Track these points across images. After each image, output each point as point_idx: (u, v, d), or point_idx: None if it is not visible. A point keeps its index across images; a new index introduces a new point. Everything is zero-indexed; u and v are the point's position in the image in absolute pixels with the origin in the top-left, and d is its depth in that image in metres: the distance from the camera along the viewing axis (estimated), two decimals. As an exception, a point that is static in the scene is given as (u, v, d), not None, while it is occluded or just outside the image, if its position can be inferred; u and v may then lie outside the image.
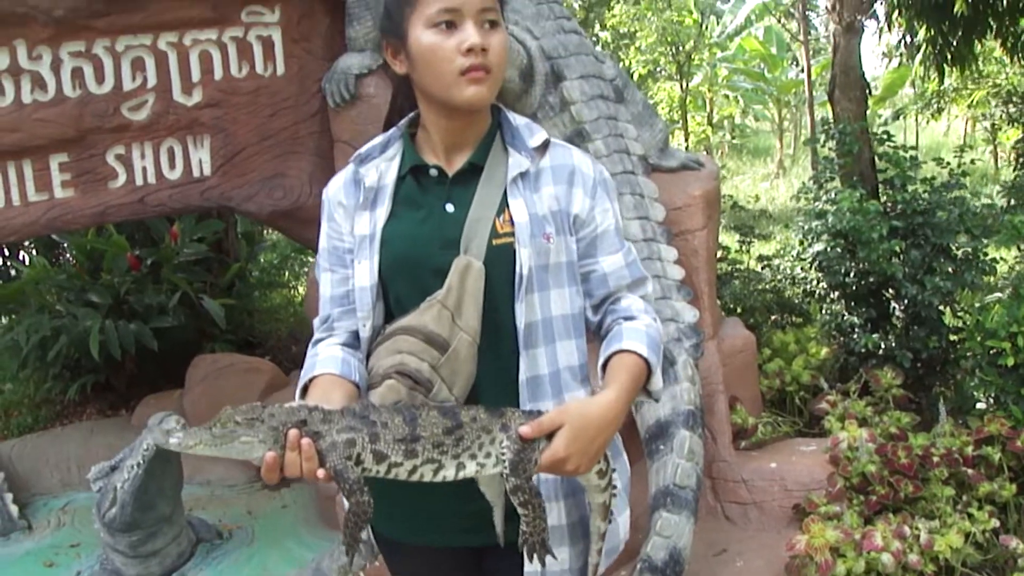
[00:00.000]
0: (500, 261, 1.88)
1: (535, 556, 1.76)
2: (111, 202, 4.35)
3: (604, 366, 1.91)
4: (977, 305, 5.27)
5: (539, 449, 1.72)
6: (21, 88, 4.17)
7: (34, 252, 7.57)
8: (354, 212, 1.99)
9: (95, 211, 4.34)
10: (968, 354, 5.04)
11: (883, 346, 5.31)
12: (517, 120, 2.01)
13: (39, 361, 6.57)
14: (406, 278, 1.93)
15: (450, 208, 1.92)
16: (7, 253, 7.83)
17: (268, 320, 8.29)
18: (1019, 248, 6.02)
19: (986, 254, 5.46)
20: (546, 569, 1.90)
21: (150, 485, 4.34)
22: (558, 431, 1.72)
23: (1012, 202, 7.40)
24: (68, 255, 7.23)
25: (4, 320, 7.19)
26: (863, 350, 5.25)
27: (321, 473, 1.64)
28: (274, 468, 1.64)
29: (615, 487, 1.94)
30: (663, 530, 3.46)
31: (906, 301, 5.30)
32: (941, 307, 5.34)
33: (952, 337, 5.38)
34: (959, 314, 5.50)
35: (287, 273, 9.51)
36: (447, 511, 1.99)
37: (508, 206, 1.91)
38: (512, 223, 1.89)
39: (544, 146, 1.99)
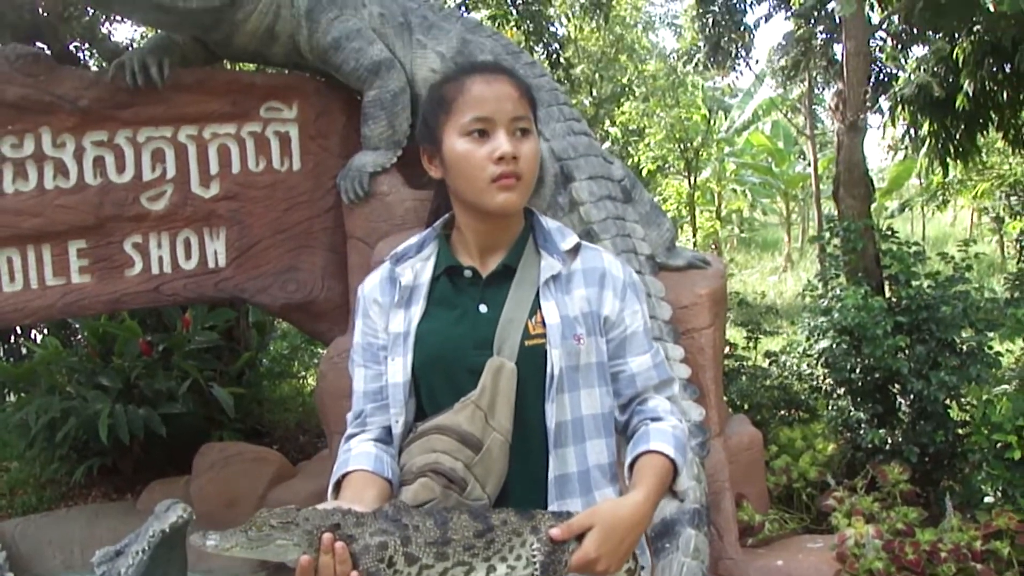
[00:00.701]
0: (532, 362, 1.92)
1: None
2: (127, 290, 4.45)
3: (631, 466, 1.95)
4: (984, 399, 5.27)
5: (569, 551, 1.76)
6: (44, 174, 4.33)
7: (46, 332, 7.66)
8: (389, 310, 2.04)
9: (110, 298, 4.43)
10: (975, 448, 5.05)
11: (890, 441, 5.34)
12: (549, 224, 2.08)
13: (47, 441, 6.59)
14: (439, 376, 1.97)
15: (483, 309, 1.97)
16: (19, 332, 7.94)
17: (277, 410, 8.30)
18: (1024, 340, 6.04)
19: (991, 347, 5.49)
20: None
21: (155, 572, 4.33)
22: (588, 532, 1.76)
23: (1017, 294, 7.43)
24: (80, 337, 7.30)
25: (14, 399, 7.24)
26: (870, 445, 5.27)
27: (355, 575, 1.69)
28: (309, 571, 1.68)
29: None
30: None
31: (912, 396, 5.34)
32: (947, 401, 5.36)
33: (959, 431, 5.38)
34: (965, 408, 5.50)
35: (297, 364, 9.58)
36: None
37: (540, 308, 1.95)
38: (544, 325, 1.94)
39: (575, 249, 2.05)
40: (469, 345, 1.94)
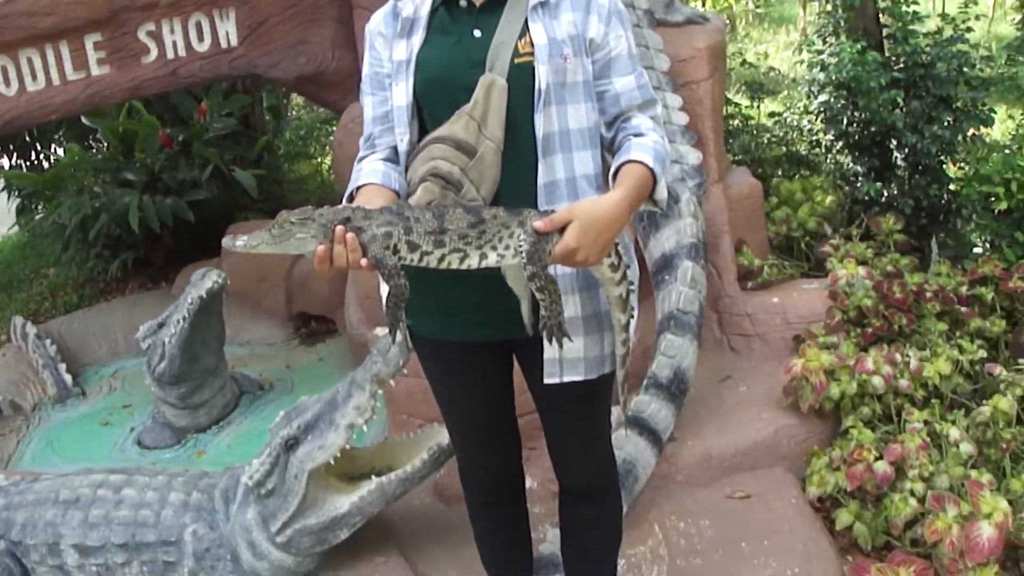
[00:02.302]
0: (521, 78, 2.12)
1: (553, 338, 2.04)
2: (145, 76, 4.61)
3: (614, 176, 2.15)
4: (976, 156, 5.41)
5: (553, 242, 1.96)
6: (55, -27, 4.37)
7: (64, 142, 7.81)
8: (392, 40, 2.25)
9: (130, 85, 4.60)
10: (966, 201, 5.25)
11: (885, 194, 5.52)
12: None
13: (81, 242, 6.87)
14: (439, 96, 2.17)
15: (477, 34, 2.16)
16: (38, 146, 8.08)
17: (296, 190, 8.48)
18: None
19: (985, 104, 5.58)
20: (563, 354, 2.21)
21: (195, 338, 4.69)
22: (569, 226, 1.96)
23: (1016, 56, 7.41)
24: (99, 139, 7.46)
25: (43, 207, 7.48)
26: (866, 197, 5.47)
27: (364, 262, 1.92)
28: (324, 259, 1.93)
29: (631, 282, 2.21)
30: (667, 350, 3.71)
31: (907, 150, 5.48)
32: (941, 157, 5.51)
33: (952, 187, 5.55)
34: (959, 164, 5.66)
35: (313, 145, 9.71)
36: (478, 307, 2.26)
37: (529, 31, 2.13)
38: (532, 45, 2.12)
39: None
40: (465, 66, 2.14)
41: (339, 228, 1.91)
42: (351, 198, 2.25)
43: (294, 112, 8.91)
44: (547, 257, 1.97)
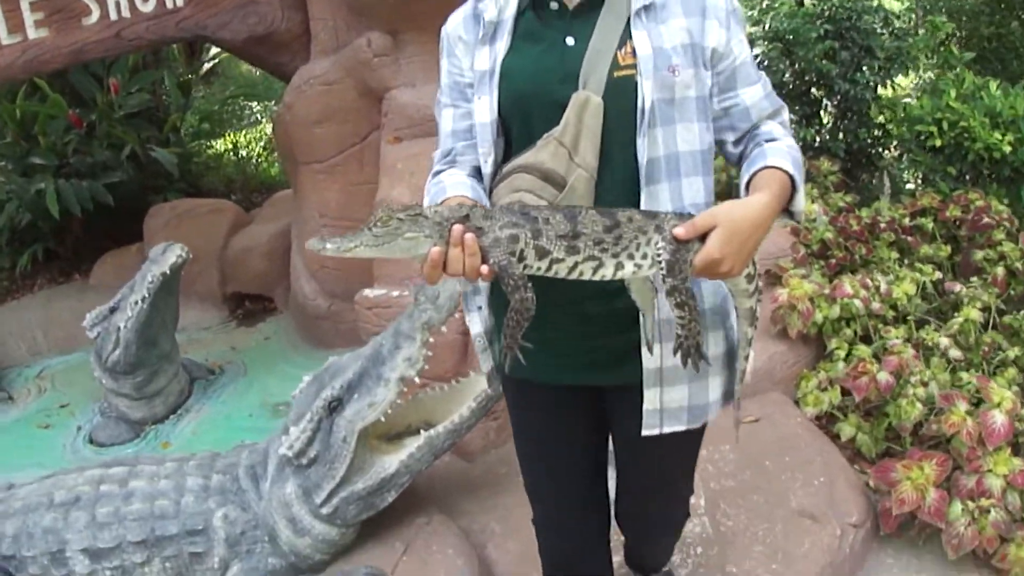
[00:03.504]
0: (621, 94, 1.84)
1: (689, 360, 1.78)
2: (88, 39, 4.29)
3: (747, 187, 1.87)
4: (903, 98, 5.71)
5: (693, 251, 1.71)
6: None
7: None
8: (474, 47, 1.98)
9: (72, 49, 4.27)
10: (895, 142, 5.53)
11: (818, 140, 5.77)
12: None
13: (-17, 238, 6.41)
14: (526, 113, 1.91)
15: (570, 41, 1.88)
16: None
17: (214, 168, 8.15)
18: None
19: (908, 52, 5.87)
20: (665, 402, 2.00)
21: (153, 320, 4.42)
22: (711, 232, 1.70)
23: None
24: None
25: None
26: (801, 143, 5.63)
27: (484, 270, 1.65)
28: (438, 264, 1.65)
29: (760, 291, 1.96)
30: None
31: (839, 97, 5.71)
32: (870, 102, 5.76)
33: (876, 132, 5.86)
34: (883, 110, 5.92)
35: (223, 122, 9.34)
36: (573, 348, 2.04)
37: (631, 38, 1.85)
38: (634, 55, 1.83)
39: None
40: (555, 79, 1.87)
41: (456, 228, 1.65)
42: None
43: (199, 85, 8.52)
44: (688, 268, 1.72)
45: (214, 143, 8.94)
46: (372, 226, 1.64)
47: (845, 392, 3.75)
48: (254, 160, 8.67)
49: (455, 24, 2.04)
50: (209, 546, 3.02)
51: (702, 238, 1.71)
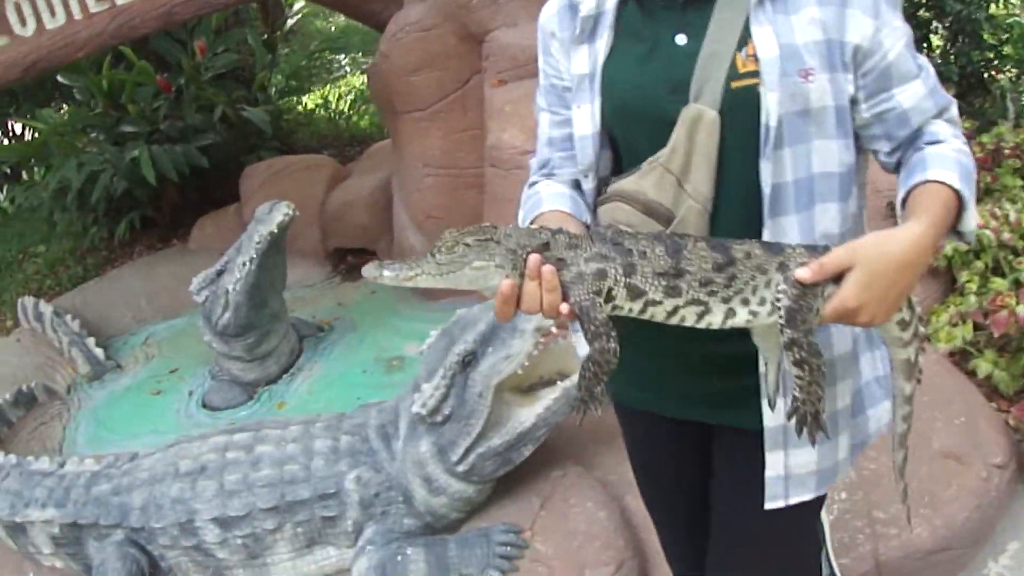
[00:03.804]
0: (741, 108, 1.52)
1: (804, 429, 1.49)
2: (176, 1, 4.20)
3: (903, 203, 1.54)
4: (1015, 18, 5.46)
5: (823, 295, 1.42)
6: None
7: (29, 117, 7.24)
8: (570, 46, 1.68)
9: (161, 12, 4.21)
10: (1009, 64, 5.33)
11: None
12: None
13: (80, 209, 6.45)
14: (634, 128, 1.63)
15: (681, 40, 1.56)
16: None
17: (307, 124, 8.11)
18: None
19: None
20: (791, 467, 1.67)
21: (262, 280, 4.37)
22: (847, 274, 1.40)
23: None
24: (74, 100, 6.93)
25: (28, 179, 6.97)
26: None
27: (564, 308, 1.41)
28: (511, 300, 1.42)
29: (921, 337, 1.61)
30: None
31: (949, 19, 5.46)
32: (982, 22, 5.48)
33: (989, 54, 5.60)
34: (996, 31, 5.66)
35: (312, 74, 9.22)
36: (687, 383, 1.76)
37: (751, 36, 1.51)
38: (757, 60, 1.50)
39: None
40: (663, 89, 1.56)
41: (534, 258, 1.40)
42: None
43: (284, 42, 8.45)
44: (814, 318, 1.42)
45: (303, 100, 8.86)
46: (436, 251, 1.43)
47: (977, 327, 3.55)
48: (345, 114, 8.57)
49: (548, 16, 1.73)
50: (342, 509, 2.96)
51: (837, 278, 1.41)
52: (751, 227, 1.55)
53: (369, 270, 1.44)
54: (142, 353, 5.40)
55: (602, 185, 1.69)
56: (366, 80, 7.17)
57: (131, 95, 6.10)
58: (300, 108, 8.57)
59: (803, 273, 1.39)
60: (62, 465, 3.37)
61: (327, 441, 3.05)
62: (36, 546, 3.24)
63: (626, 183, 1.59)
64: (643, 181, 1.57)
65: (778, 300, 1.42)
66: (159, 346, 5.43)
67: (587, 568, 2.81)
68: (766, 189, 1.53)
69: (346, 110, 8.72)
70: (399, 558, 2.85)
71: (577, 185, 1.75)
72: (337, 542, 3.00)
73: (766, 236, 1.54)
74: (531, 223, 1.66)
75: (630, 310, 1.45)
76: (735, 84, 1.51)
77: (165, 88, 6.09)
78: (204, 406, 4.68)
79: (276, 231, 4.22)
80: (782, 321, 1.41)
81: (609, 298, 1.43)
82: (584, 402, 1.48)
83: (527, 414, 2.91)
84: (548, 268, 1.40)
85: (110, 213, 6.61)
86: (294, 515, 2.95)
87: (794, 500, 1.70)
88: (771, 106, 1.48)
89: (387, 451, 3.00)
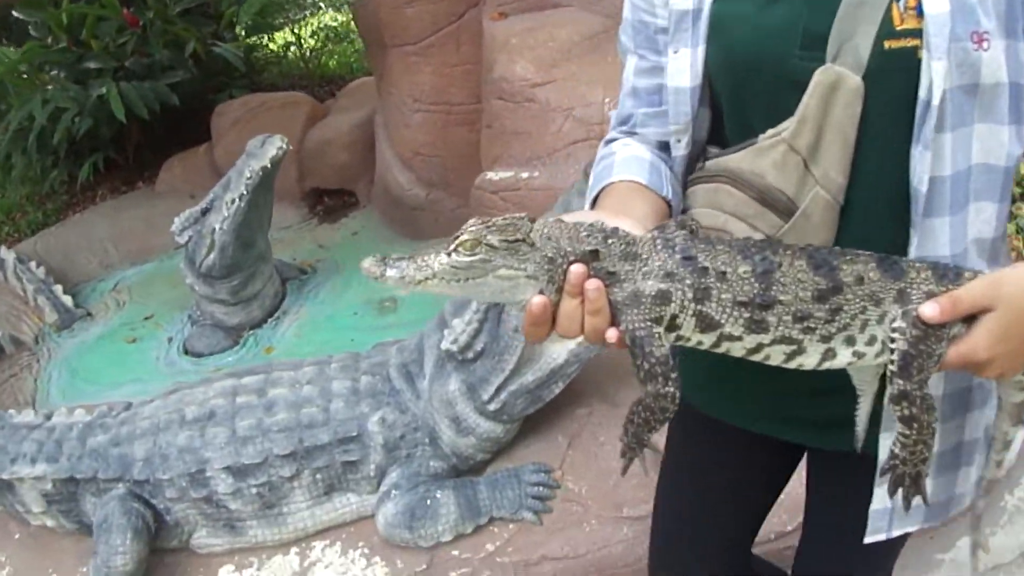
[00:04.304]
0: (893, 76, 1.21)
1: (898, 491, 1.26)
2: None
3: None
4: None
5: (948, 336, 1.13)
6: None
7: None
8: None
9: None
10: None
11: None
12: None
13: (40, 150, 6.12)
14: (742, 88, 1.33)
15: None
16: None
17: (276, 62, 7.82)
18: None
19: None
20: (898, 500, 1.35)
21: (252, 218, 4.16)
22: (983, 315, 1.12)
23: None
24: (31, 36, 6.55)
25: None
26: None
27: (612, 336, 1.11)
28: (543, 321, 1.12)
29: None
30: None
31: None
32: None
33: None
34: None
35: (280, 15, 8.81)
36: (788, 400, 1.47)
37: None
38: (919, 14, 1.18)
39: None
40: (792, 40, 1.25)
41: (576, 270, 1.10)
42: (594, 203, 1.38)
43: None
44: (933, 366, 1.14)
45: (273, 37, 8.52)
46: (453, 250, 1.12)
47: None
48: (317, 52, 8.25)
49: None
50: (364, 453, 2.82)
51: (967, 318, 1.13)
52: (890, 228, 1.28)
53: (370, 266, 1.14)
54: (112, 300, 5.16)
55: (698, 153, 1.41)
56: (338, 17, 6.92)
57: (92, 30, 5.76)
58: (271, 47, 8.23)
59: (930, 311, 1.10)
60: (48, 417, 3.16)
61: (346, 382, 2.90)
62: (25, 504, 3.02)
63: (737, 159, 1.30)
64: (761, 160, 1.27)
65: (893, 342, 1.13)
66: (130, 292, 5.19)
67: (625, 506, 2.74)
68: (919, 184, 1.22)
69: (316, 49, 8.40)
70: (428, 502, 2.73)
71: (664, 147, 1.45)
72: (358, 488, 2.86)
73: (914, 242, 1.25)
74: (596, 197, 1.37)
75: (699, 343, 1.15)
76: (889, 44, 1.20)
77: (132, 23, 5.78)
78: (186, 352, 4.47)
79: (269, 166, 4.00)
80: (894, 368, 1.13)
81: (672, 326, 1.12)
82: (631, 449, 1.22)
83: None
84: (594, 285, 1.09)
85: (71, 156, 6.30)
86: (313, 461, 2.80)
87: (897, 532, 1.48)
88: (935, 77, 1.17)
89: (411, 391, 2.86)
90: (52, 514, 3.01)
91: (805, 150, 1.24)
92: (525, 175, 3.45)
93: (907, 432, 1.17)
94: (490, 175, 3.57)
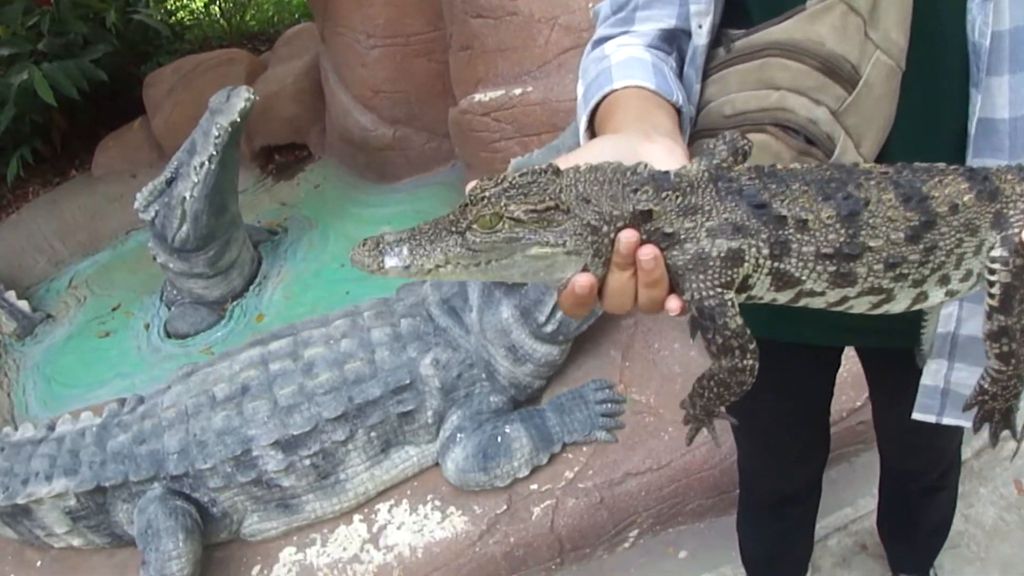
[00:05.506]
0: None
1: (985, 425, 1.13)
2: None
3: None
4: None
5: None
6: None
7: None
8: None
9: None
10: None
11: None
12: None
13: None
14: None
15: None
16: None
17: (192, 25, 7.37)
18: None
19: None
20: (951, 383, 1.36)
21: (223, 180, 3.91)
22: None
23: None
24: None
25: None
26: None
27: (674, 306, 0.93)
28: (589, 297, 0.92)
29: None
30: None
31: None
32: None
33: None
34: None
35: None
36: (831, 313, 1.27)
37: None
38: None
39: None
40: None
41: (627, 238, 0.90)
42: (592, 120, 1.17)
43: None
44: None
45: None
46: (466, 227, 0.91)
47: None
48: (238, 7, 7.80)
49: None
50: (420, 401, 2.67)
51: None
52: (949, 91, 1.16)
53: (362, 257, 0.90)
54: (71, 297, 4.89)
55: (716, 42, 1.22)
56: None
57: (-4, 11, 5.34)
58: (191, 6, 7.76)
59: None
60: (52, 428, 2.93)
61: (385, 328, 2.73)
62: (46, 527, 2.79)
63: (785, 29, 1.13)
64: (817, 26, 1.10)
65: (992, 273, 0.96)
66: (88, 285, 4.92)
67: (700, 408, 2.64)
68: (975, 38, 1.10)
69: (242, 2, 7.98)
70: (499, 438, 2.60)
71: (667, 39, 1.26)
72: (416, 439, 2.72)
73: (976, 105, 1.13)
74: (593, 110, 1.16)
75: (772, 300, 0.98)
76: None
77: (41, 2, 5.35)
78: (169, 336, 4.23)
79: (239, 119, 3.74)
80: (994, 304, 0.97)
81: (744, 288, 0.95)
82: (699, 420, 1.07)
83: None
84: (650, 253, 0.89)
85: (-9, 156, 5.89)
86: (366, 419, 2.64)
87: (948, 421, 1.40)
88: None
89: (459, 326, 2.71)
90: (79, 531, 2.80)
91: (865, 10, 1.09)
92: (518, 91, 3.27)
93: (1002, 368, 1.04)
94: (478, 97, 3.37)
